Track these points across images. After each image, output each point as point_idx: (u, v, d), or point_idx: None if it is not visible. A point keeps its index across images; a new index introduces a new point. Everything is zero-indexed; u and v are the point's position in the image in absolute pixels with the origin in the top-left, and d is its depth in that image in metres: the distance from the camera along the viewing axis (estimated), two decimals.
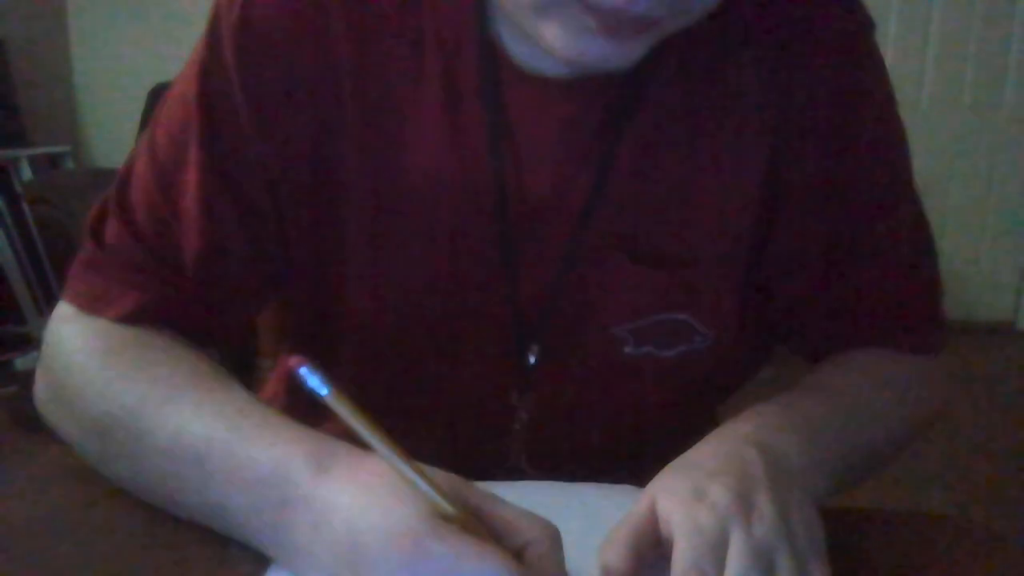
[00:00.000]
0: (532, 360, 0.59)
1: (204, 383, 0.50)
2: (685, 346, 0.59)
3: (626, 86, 0.55)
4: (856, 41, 0.58)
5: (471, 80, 0.55)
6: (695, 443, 0.50)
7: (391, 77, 0.55)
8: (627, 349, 0.59)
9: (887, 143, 0.60)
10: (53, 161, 3.28)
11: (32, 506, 0.51)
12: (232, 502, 0.45)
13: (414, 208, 0.56)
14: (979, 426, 2.54)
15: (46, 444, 0.55)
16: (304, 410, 0.53)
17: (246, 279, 0.58)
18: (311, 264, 0.59)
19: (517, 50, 0.55)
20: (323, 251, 0.58)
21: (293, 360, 0.36)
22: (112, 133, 3.41)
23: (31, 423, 0.57)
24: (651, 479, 0.46)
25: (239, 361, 0.94)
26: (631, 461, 0.58)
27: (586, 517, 0.49)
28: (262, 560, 0.44)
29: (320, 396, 0.37)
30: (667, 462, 0.48)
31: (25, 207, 2.65)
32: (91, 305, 0.56)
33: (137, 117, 2.27)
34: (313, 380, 0.36)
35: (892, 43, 3.29)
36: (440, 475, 0.41)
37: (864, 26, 0.58)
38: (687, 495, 0.43)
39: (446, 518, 0.39)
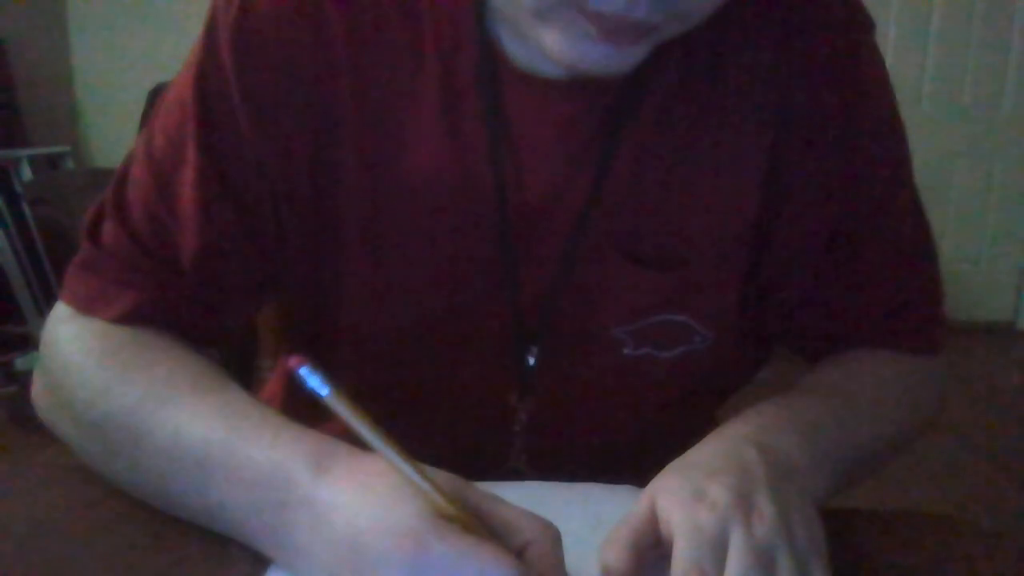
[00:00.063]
0: (531, 361, 0.59)
1: (202, 383, 0.50)
2: (684, 347, 0.59)
3: (626, 87, 0.55)
4: (856, 41, 0.58)
5: (470, 81, 0.55)
6: (695, 443, 0.49)
7: (389, 78, 0.55)
8: (626, 350, 0.59)
9: (887, 143, 0.60)
10: (53, 161, 3.28)
11: (32, 506, 0.51)
12: (232, 502, 0.45)
13: (413, 209, 0.56)
14: (979, 426, 2.54)
15: (46, 444, 0.55)
16: (304, 410, 0.53)
17: (243, 279, 0.58)
18: (309, 264, 0.59)
19: (516, 51, 0.55)
20: (321, 251, 0.58)
21: (293, 360, 0.36)
22: (112, 133, 3.41)
23: (31, 423, 0.57)
24: (651, 479, 0.46)
25: (239, 361, 0.94)
26: (631, 461, 0.58)
27: (586, 517, 0.49)
28: (262, 560, 0.44)
29: (320, 396, 0.37)
30: (667, 462, 0.48)
31: (25, 207, 2.65)
32: (88, 306, 0.56)
33: (137, 117, 2.27)
34: (313, 380, 0.36)
35: (892, 43, 3.29)
36: (440, 475, 0.41)
37: (864, 26, 0.58)
38: (687, 495, 0.43)
39: (447, 518, 0.39)
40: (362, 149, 0.55)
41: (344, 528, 0.40)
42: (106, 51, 3.39)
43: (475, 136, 0.55)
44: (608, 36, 0.46)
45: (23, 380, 2.42)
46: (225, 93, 0.54)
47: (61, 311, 0.57)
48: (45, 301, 2.63)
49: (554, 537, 0.41)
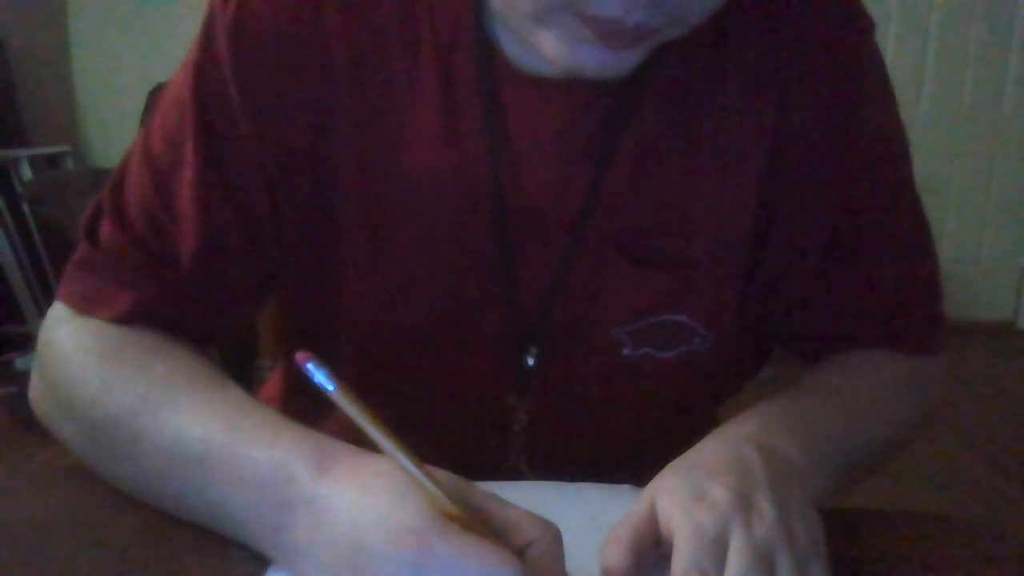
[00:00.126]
0: (530, 362, 0.59)
1: (202, 383, 0.50)
2: (684, 347, 0.59)
3: (625, 86, 0.55)
4: (856, 41, 0.57)
5: (468, 80, 0.55)
6: (695, 443, 0.50)
7: (388, 77, 0.55)
8: (626, 351, 0.59)
9: (887, 143, 0.60)
10: (53, 161, 3.28)
11: (32, 506, 0.51)
12: (232, 503, 0.45)
13: (411, 208, 0.56)
14: (979, 426, 2.54)
15: (46, 444, 0.55)
16: (304, 410, 0.54)
17: (242, 279, 0.58)
18: (308, 264, 0.59)
19: (514, 50, 0.55)
20: (320, 250, 0.58)
21: (300, 355, 0.36)
22: (112, 133, 3.41)
23: (31, 423, 0.57)
24: (651, 479, 0.46)
25: (239, 361, 0.94)
26: (631, 461, 0.58)
27: (586, 517, 0.49)
28: (262, 561, 0.44)
29: (327, 391, 0.37)
30: (667, 462, 0.48)
31: (25, 207, 2.65)
32: (86, 306, 0.55)
33: (137, 117, 2.27)
34: (320, 375, 0.36)
35: (892, 43, 3.29)
36: (442, 475, 0.41)
37: (864, 26, 0.58)
38: (687, 495, 0.43)
39: (449, 517, 0.39)
40: (360, 148, 0.55)
41: (345, 528, 0.40)
42: (106, 51, 3.39)
43: (474, 135, 0.55)
44: (605, 40, 0.46)
45: (23, 380, 2.42)
46: (223, 92, 0.54)
47: (59, 311, 0.57)
48: (45, 301, 2.63)
49: (555, 537, 0.41)
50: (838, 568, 0.43)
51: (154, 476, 0.48)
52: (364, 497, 0.40)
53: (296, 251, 0.58)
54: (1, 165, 2.68)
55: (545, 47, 0.48)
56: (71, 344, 0.55)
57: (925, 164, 1.26)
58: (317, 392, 0.37)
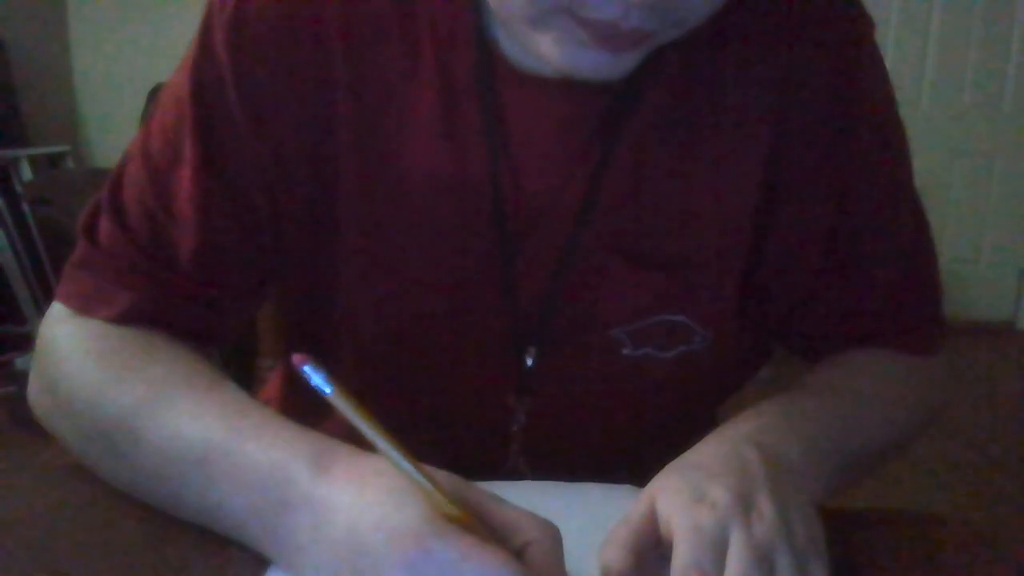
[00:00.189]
0: (529, 362, 0.59)
1: (201, 383, 0.50)
2: (684, 347, 0.59)
3: (624, 87, 0.55)
4: (856, 41, 0.57)
5: (467, 79, 0.55)
6: (695, 443, 0.49)
7: (387, 76, 0.55)
8: (625, 351, 0.59)
9: (887, 143, 0.60)
10: (53, 161, 3.28)
11: (32, 506, 0.51)
12: (231, 502, 0.45)
13: (410, 208, 0.56)
14: (979, 426, 2.54)
15: (46, 444, 0.54)
16: (304, 410, 0.53)
17: (241, 278, 0.58)
18: (307, 263, 0.59)
19: (513, 50, 0.55)
20: (319, 250, 0.58)
21: (296, 357, 0.36)
22: (112, 133, 3.41)
23: (31, 423, 0.57)
24: (651, 479, 0.46)
25: (239, 361, 0.94)
26: (631, 462, 0.58)
27: (586, 517, 0.49)
28: (262, 561, 0.44)
29: (324, 393, 0.37)
30: (667, 462, 0.48)
31: (25, 207, 2.65)
32: (85, 306, 0.55)
33: (137, 117, 2.27)
34: (316, 378, 0.36)
35: (892, 43, 3.29)
36: (441, 475, 0.41)
37: (864, 26, 0.58)
38: (687, 495, 0.43)
39: (448, 518, 0.39)
40: (359, 147, 0.55)
41: (345, 528, 0.40)
42: (106, 51, 3.40)
43: (473, 136, 0.55)
44: (603, 43, 0.46)
45: (23, 380, 2.41)
46: (221, 91, 0.54)
47: (57, 311, 0.57)
48: (45, 301, 2.63)
49: (554, 537, 0.40)
50: (838, 568, 0.43)
51: (153, 476, 0.48)
52: (363, 497, 0.40)
53: (295, 251, 0.58)
54: (1, 165, 2.68)
55: (543, 50, 0.48)
56: (70, 344, 0.55)
57: (925, 164, 1.26)
58: (315, 393, 0.37)
